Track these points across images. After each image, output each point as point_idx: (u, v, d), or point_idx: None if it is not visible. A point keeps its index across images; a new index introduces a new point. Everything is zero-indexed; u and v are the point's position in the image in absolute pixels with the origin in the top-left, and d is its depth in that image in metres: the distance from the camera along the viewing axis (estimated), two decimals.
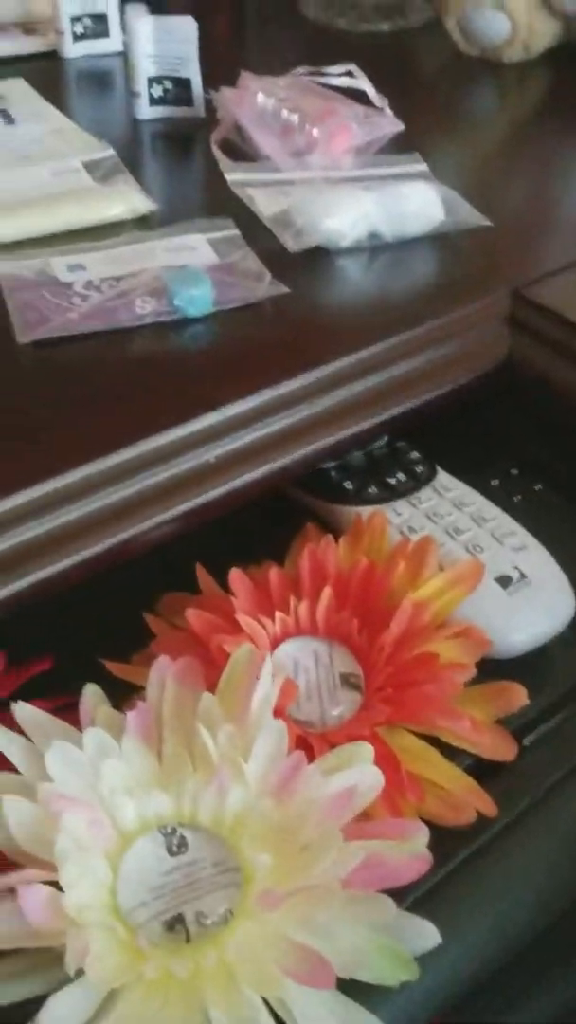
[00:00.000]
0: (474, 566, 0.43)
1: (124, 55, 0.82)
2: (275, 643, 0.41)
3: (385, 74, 0.70)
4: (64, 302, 0.50)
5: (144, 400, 0.44)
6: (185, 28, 0.67)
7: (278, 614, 0.41)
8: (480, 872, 0.37)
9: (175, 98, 0.70)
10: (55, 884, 0.32)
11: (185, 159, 0.68)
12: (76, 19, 0.80)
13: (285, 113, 0.61)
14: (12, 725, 0.37)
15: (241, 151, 0.64)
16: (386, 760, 0.36)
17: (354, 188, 0.55)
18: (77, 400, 0.44)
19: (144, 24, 0.67)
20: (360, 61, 0.68)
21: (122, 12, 0.80)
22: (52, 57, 0.82)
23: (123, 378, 0.46)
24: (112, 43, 0.82)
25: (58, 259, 0.53)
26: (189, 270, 0.50)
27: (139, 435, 0.42)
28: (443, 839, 0.35)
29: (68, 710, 0.40)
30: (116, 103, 0.77)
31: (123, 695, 0.39)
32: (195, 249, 0.54)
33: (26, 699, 0.38)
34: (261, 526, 0.48)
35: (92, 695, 0.39)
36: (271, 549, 0.47)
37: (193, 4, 0.83)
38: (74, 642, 0.43)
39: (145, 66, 0.68)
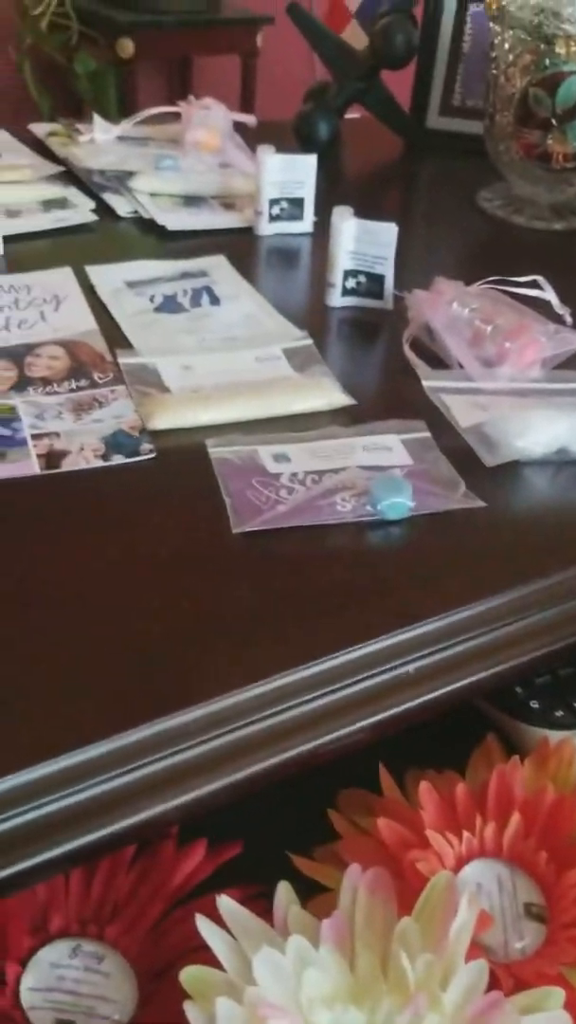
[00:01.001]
0: None
1: (312, 235, 0.89)
2: (460, 862, 0.43)
3: (557, 272, 0.74)
4: (272, 494, 0.54)
5: (344, 604, 0.47)
6: (386, 232, 0.72)
7: (465, 834, 0.43)
8: None
9: (366, 291, 0.75)
10: None
11: (374, 351, 0.72)
12: (275, 202, 0.87)
13: (477, 323, 0.66)
14: (210, 910, 0.39)
15: (428, 351, 0.69)
16: (573, 1006, 0.37)
17: (547, 406, 0.58)
18: (282, 595, 0.47)
19: (349, 226, 0.72)
20: (535, 258, 0.73)
21: (318, 199, 0.87)
22: (247, 232, 0.89)
23: (324, 576, 0.49)
24: (304, 225, 0.88)
25: (264, 448, 0.58)
26: (391, 477, 0.54)
27: (340, 646, 0.44)
28: None
29: (258, 899, 0.42)
30: (304, 283, 0.84)
31: (306, 885, 0.41)
32: (390, 449, 0.58)
33: (216, 881, 0.40)
34: (439, 728, 0.50)
35: (284, 895, 0.41)
36: (449, 754, 0.49)
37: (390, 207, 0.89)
38: (254, 824, 0.45)
39: (344, 261, 0.74)
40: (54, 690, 0.41)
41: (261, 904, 0.42)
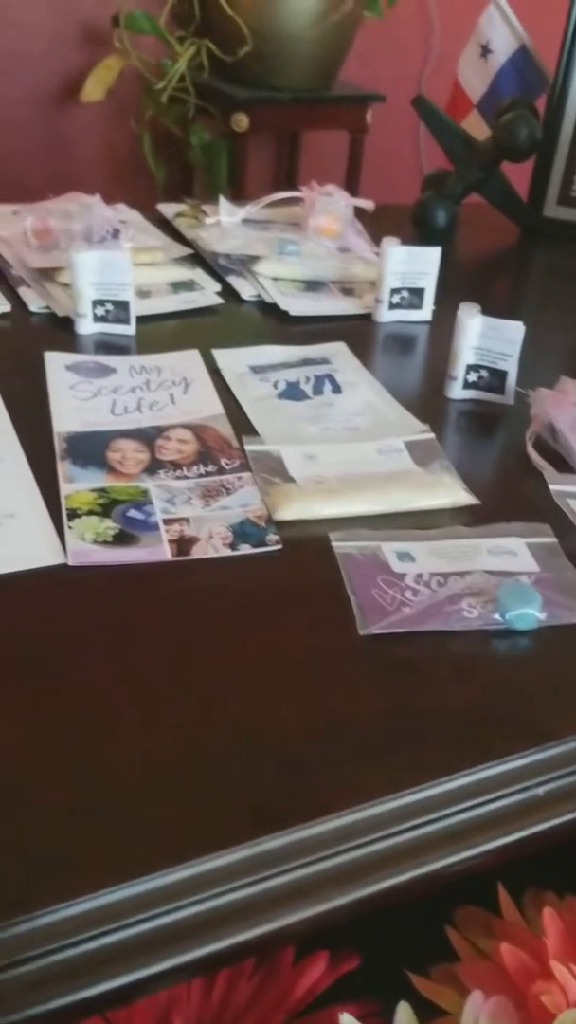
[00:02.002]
0: None
1: (430, 323, 0.90)
2: None
3: None
4: (398, 594, 0.54)
5: (472, 719, 0.47)
6: (513, 331, 0.73)
7: None
8: None
9: (488, 386, 0.76)
10: None
11: (495, 447, 0.73)
12: (396, 291, 0.89)
13: None
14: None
15: (552, 450, 0.69)
16: None
17: None
18: (412, 706, 0.47)
19: (475, 322, 0.73)
20: None
21: (437, 292, 0.89)
22: (365, 318, 0.90)
23: (452, 687, 0.49)
24: (423, 314, 0.90)
25: (388, 545, 0.58)
26: (520, 586, 0.54)
27: (470, 764, 0.44)
28: None
29: (376, 1016, 0.41)
30: (423, 372, 0.85)
31: (422, 1003, 0.40)
32: (516, 554, 0.58)
33: (332, 994, 0.40)
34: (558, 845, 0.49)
35: (405, 1017, 0.40)
36: (569, 874, 0.48)
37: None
38: (368, 936, 0.45)
39: (467, 356, 0.75)
40: (185, 794, 0.41)
41: (378, 1022, 0.41)
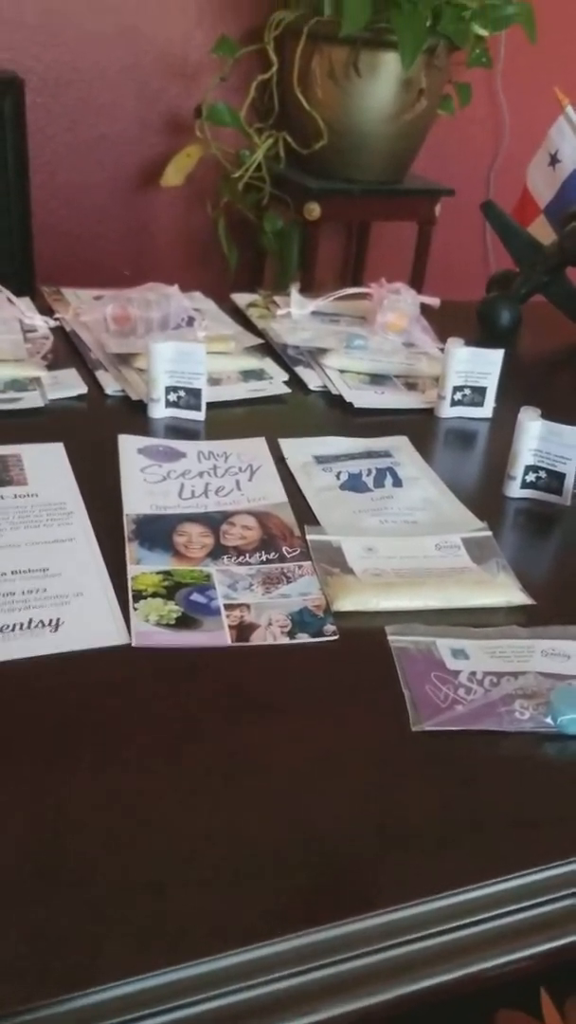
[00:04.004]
0: None
1: (491, 420, 0.92)
2: None
3: None
4: (451, 692, 0.55)
5: (522, 822, 0.48)
6: (572, 436, 0.75)
7: None
8: None
9: (546, 486, 0.77)
10: None
11: (551, 546, 0.74)
12: (458, 388, 0.91)
13: None
14: None
15: None
16: None
17: None
18: (462, 805, 0.48)
19: (535, 425, 0.75)
20: None
21: (499, 389, 0.91)
22: (427, 412, 0.93)
23: (503, 789, 0.50)
24: (484, 411, 0.92)
25: (443, 641, 0.60)
26: (573, 691, 0.54)
27: (519, 867, 0.45)
28: None
29: None
30: (482, 468, 0.87)
31: None
32: (569, 657, 0.59)
33: None
34: None
35: None
36: None
37: None
38: None
39: (526, 457, 0.77)
40: (231, 882, 0.43)
41: None
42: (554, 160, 1.20)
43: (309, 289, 2.28)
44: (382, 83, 2.02)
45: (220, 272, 2.28)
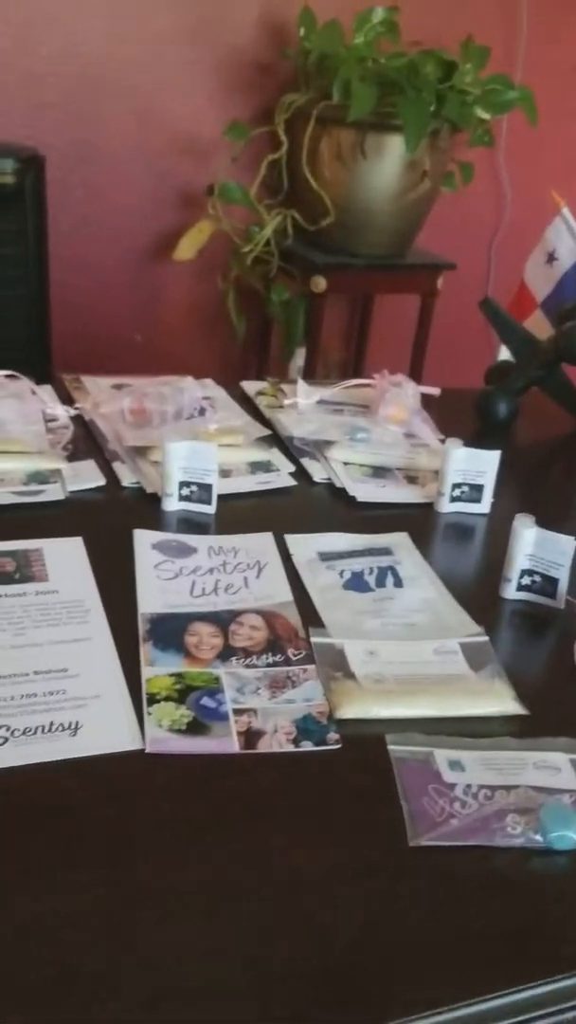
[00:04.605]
0: None
1: (488, 515, 0.96)
2: None
3: None
4: (447, 805, 0.58)
5: (508, 938, 0.50)
6: (565, 543, 0.78)
7: None
8: None
9: (540, 590, 0.81)
10: None
11: (544, 651, 0.78)
12: (457, 486, 0.95)
13: None
14: None
15: None
16: None
17: None
18: (454, 924, 0.51)
19: (530, 532, 0.79)
20: None
21: (497, 482, 0.95)
22: (427, 507, 0.97)
23: (491, 902, 0.53)
24: (482, 507, 0.96)
25: (441, 752, 0.63)
26: (560, 808, 0.58)
27: (505, 984, 0.47)
28: None
29: None
30: (479, 565, 0.90)
31: None
32: (559, 770, 0.62)
33: None
34: None
35: None
36: None
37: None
38: None
39: (521, 562, 0.80)
40: (228, 995, 0.45)
41: None
42: (551, 258, 1.25)
43: (313, 358, 2.33)
44: (387, 164, 2.10)
45: (228, 340, 2.34)
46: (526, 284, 1.30)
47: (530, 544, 0.80)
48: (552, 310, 1.25)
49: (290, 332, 2.24)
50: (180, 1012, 0.44)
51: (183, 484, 0.88)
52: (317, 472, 1.00)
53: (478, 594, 0.83)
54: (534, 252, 1.29)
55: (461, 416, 1.19)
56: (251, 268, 2.22)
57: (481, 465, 0.95)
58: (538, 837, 0.56)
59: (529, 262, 1.30)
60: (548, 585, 0.81)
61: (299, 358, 2.31)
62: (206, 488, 0.88)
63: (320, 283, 2.17)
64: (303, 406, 1.12)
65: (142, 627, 0.72)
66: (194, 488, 0.89)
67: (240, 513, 0.91)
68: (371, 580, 0.82)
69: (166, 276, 2.32)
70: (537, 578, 0.81)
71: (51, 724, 0.60)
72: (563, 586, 0.80)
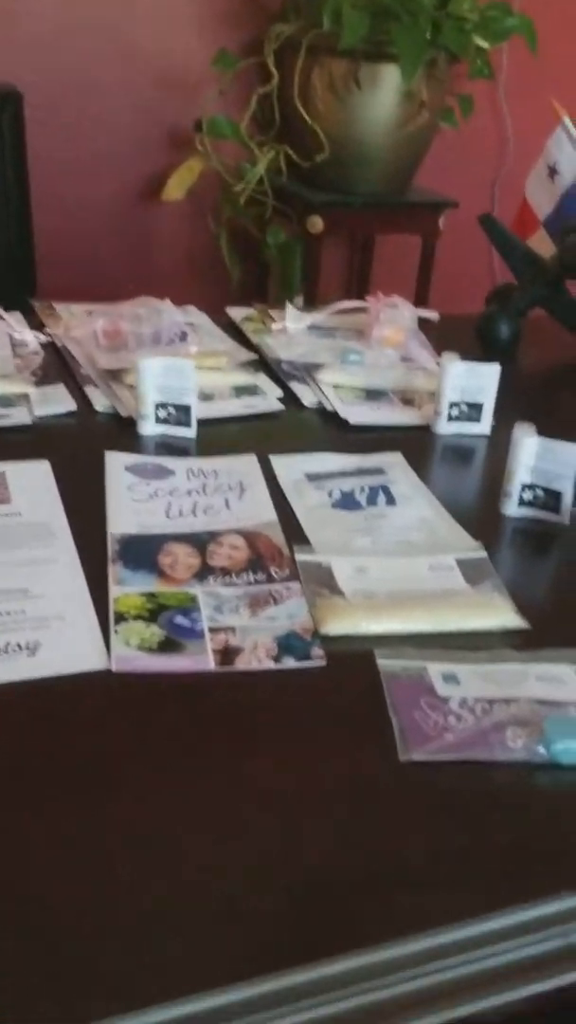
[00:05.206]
0: None
1: (488, 437, 0.91)
2: None
3: None
4: (441, 719, 0.53)
5: (510, 858, 0.46)
6: (569, 453, 0.73)
7: None
8: None
9: (543, 504, 0.75)
10: None
11: (548, 567, 0.72)
12: (455, 404, 0.89)
13: None
14: None
15: None
16: None
17: None
18: (447, 840, 0.46)
19: (531, 442, 0.74)
20: None
21: (497, 400, 0.89)
22: (424, 429, 0.91)
23: (491, 819, 0.48)
24: (482, 427, 0.90)
25: (434, 666, 0.58)
26: (567, 719, 0.53)
27: (507, 903, 0.43)
28: None
29: None
30: (479, 486, 0.85)
31: None
32: (564, 682, 0.57)
33: None
34: None
35: None
36: None
37: None
38: None
39: (523, 475, 0.75)
40: (211, 919, 0.41)
41: None
42: (552, 172, 1.18)
43: (313, 304, 2.27)
44: (383, 95, 2.01)
45: (223, 286, 2.27)
46: (528, 202, 1.23)
47: (531, 455, 0.74)
48: (555, 228, 1.18)
49: (287, 277, 2.17)
50: (153, 939, 0.40)
51: (159, 405, 0.83)
52: (306, 396, 0.94)
53: (478, 513, 0.78)
54: (535, 167, 1.22)
55: (461, 341, 1.12)
56: (245, 209, 2.14)
57: (480, 381, 0.89)
58: (541, 750, 0.51)
59: (530, 177, 1.23)
60: (551, 499, 0.75)
61: (289, 304, 2.23)
62: (184, 410, 0.83)
63: (317, 223, 2.09)
64: (293, 331, 1.06)
65: (111, 548, 0.67)
66: (171, 410, 0.83)
67: (223, 437, 0.86)
68: (362, 499, 0.77)
69: (156, 219, 2.24)
70: (539, 492, 0.76)
71: (6, 645, 0.55)
72: (567, 500, 0.75)
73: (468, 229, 2.34)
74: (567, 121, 1.18)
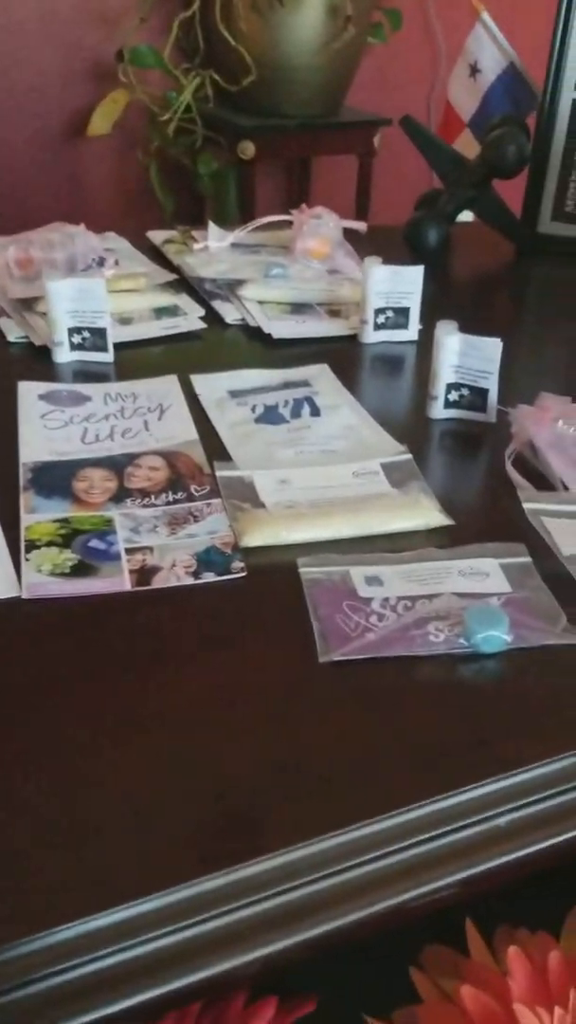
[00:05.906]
0: None
1: (417, 343, 0.89)
2: None
3: None
4: (362, 620, 0.52)
5: (433, 748, 0.45)
6: (491, 348, 0.71)
7: (557, 1010, 0.39)
8: None
9: (469, 404, 0.74)
10: None
11: (475, 467, 0.71)
12: (380, 311, 0.87)
13: None
14: None
15: (533, 469, 0.67)
16: None
17: None
18: (369, 736, 0.45)
19: (453, 340, 0.72)
20: None
21: (425, 306, 0.87)
22: (351, 340, 0.89)
23: (413, 716, 0.47)
24: (410, 334, 0.88)
25: (357, 569, 0.56)
26: (487, 608, 0.52)
27: (427, 795, 0.42)
28: None
29: None
30: (407, 392, 0.83)
31: None
32: (488, 575, 0.56)
33: None
34: (537, 880, 0.47)
35: None
36: (546, 911, 0.45)
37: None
38: (333, 981, 0.43)
39: (447, 374, 0.73)
40: (127, 831, 0.40)
41: None
42: (474, 70, 1.15)
43: None
44: (307, 12, 1.95)
45: (157, 221, 2.21)
46: (451, 104, 1.20)
47: (455, 353, 0.73)
48: (480, 128, 1.15)
49: (222, 206, 2.12)
50: (58, 861, 0.39)
51: (73, 331, 0.80)
52: (229, 314, 0.91)
53: (405, 419, 0.77)
54: (456, 66, 1.18)
55: (391, 251, 1.09)
56: (174, 139, 2.08)
57: (405, 285, 0.87)
58: (462, 641, 0.50)
59: (452, 79, 1.19)
60: (477, 398, 0.74)
61: (212, 223, 2.18)
62: (99, 333, 0.80)
63: (248, 148, 2.04)
64: (215, 249, 1.02)
65: (23, 477, 0.65)
66: (86, 334, 0.80)
67: (143, 360, 0.83)
68: (286, 412, 0.75)
69: (84, 155, 2.18)
70: (465, 391, 0.74)
71: None
72: (493, 397, 0.73)
73: (406, 146, 2.30)
74: (485, 16, 1.14)
